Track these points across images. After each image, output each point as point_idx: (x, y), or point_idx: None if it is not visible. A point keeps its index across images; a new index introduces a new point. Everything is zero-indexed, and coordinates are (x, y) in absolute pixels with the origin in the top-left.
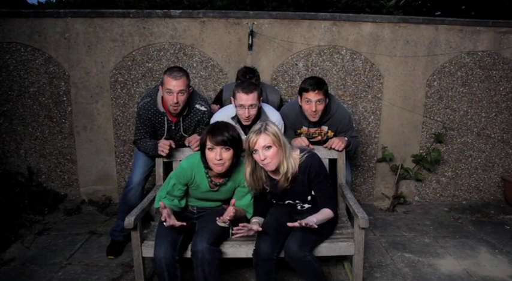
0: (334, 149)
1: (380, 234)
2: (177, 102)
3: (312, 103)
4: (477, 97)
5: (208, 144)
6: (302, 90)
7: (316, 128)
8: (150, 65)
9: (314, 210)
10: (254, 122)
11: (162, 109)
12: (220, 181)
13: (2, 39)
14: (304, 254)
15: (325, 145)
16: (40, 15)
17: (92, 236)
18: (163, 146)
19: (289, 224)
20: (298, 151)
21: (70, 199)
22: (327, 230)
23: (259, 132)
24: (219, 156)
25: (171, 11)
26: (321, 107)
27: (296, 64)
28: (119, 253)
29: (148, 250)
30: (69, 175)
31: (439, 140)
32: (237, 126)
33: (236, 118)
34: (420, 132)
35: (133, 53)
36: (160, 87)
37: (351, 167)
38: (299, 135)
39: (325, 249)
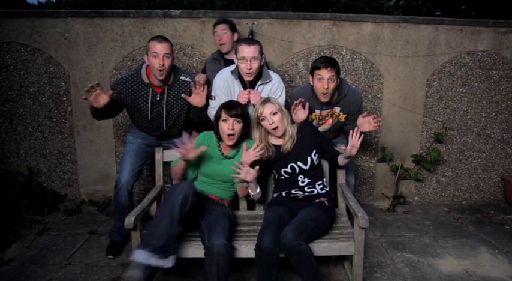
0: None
1: (380, 234)
2: (163, 65)
3: (324, 81)
4: (477, 97)
5: (223, 116)
6: (314, 69)
7: (328, 110)
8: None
9: (313, 184)
10: (256, 79)
11: (146, 80)
12: (229, 152)
13: (2, 39)
14: (298, 243)
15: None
16: (40, 15)
17: (92, 236)
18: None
19: (344, 148)
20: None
21: (70, 199)
22: (324, 224)
23: (264, 102)
24: (231, 126)
25: (171, 11)
26: (332, 85)
27: (296, 64)
28: (118, 252)
29: None
30: (69, 175)
31: (439, 140)
32: (237, 82)
33: (236, 73)
34: (420, 132)
35: (133, 53)
36: (145, 57)
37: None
38: (311, 121)
39: (325, 249)
